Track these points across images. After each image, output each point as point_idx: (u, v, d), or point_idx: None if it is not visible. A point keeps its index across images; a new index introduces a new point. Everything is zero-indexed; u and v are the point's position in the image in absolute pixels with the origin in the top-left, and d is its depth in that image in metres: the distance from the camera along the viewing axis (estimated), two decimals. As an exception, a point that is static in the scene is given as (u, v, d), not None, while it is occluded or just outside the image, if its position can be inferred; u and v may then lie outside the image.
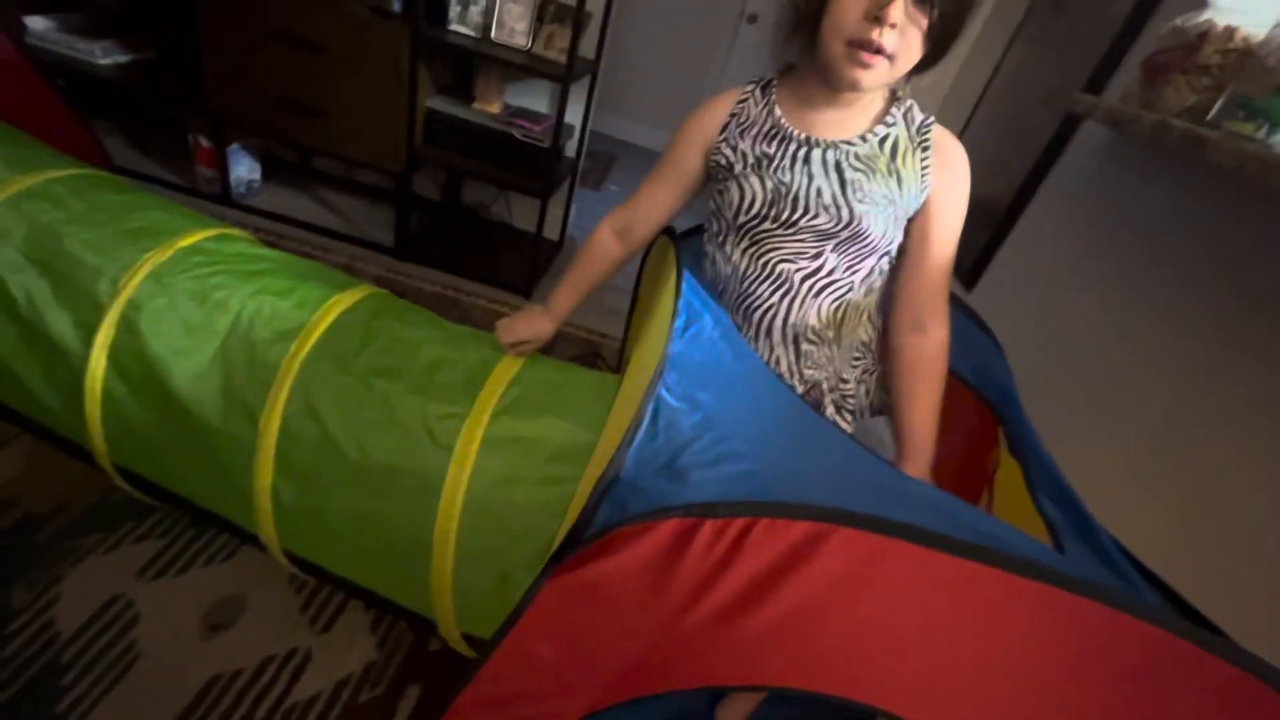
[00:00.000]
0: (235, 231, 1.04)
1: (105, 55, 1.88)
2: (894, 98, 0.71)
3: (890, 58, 0.60)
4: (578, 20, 1.64)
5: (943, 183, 0.69)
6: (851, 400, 0.79)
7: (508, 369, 0.87)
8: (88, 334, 0.84)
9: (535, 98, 2.10)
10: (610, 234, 0.84)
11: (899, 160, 0.68)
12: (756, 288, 0.73)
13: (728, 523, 0.48)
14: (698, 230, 0.87)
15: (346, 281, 0.99)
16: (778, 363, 0.76)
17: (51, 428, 0.93)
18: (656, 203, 0.79)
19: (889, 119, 0.69)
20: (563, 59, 1.73)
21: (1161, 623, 0.46)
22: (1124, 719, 0.48)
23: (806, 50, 0.65)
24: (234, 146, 1.97)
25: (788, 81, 0.72)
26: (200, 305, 0.87)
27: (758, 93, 0.72)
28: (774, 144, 0.69)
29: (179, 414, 0.84)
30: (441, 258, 2.06)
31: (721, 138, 0.72)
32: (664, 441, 0.53)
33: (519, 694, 0.59)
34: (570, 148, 2.17)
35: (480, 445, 0.78)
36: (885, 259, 0.73)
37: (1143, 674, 0.48)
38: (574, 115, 2.13)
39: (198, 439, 0.83)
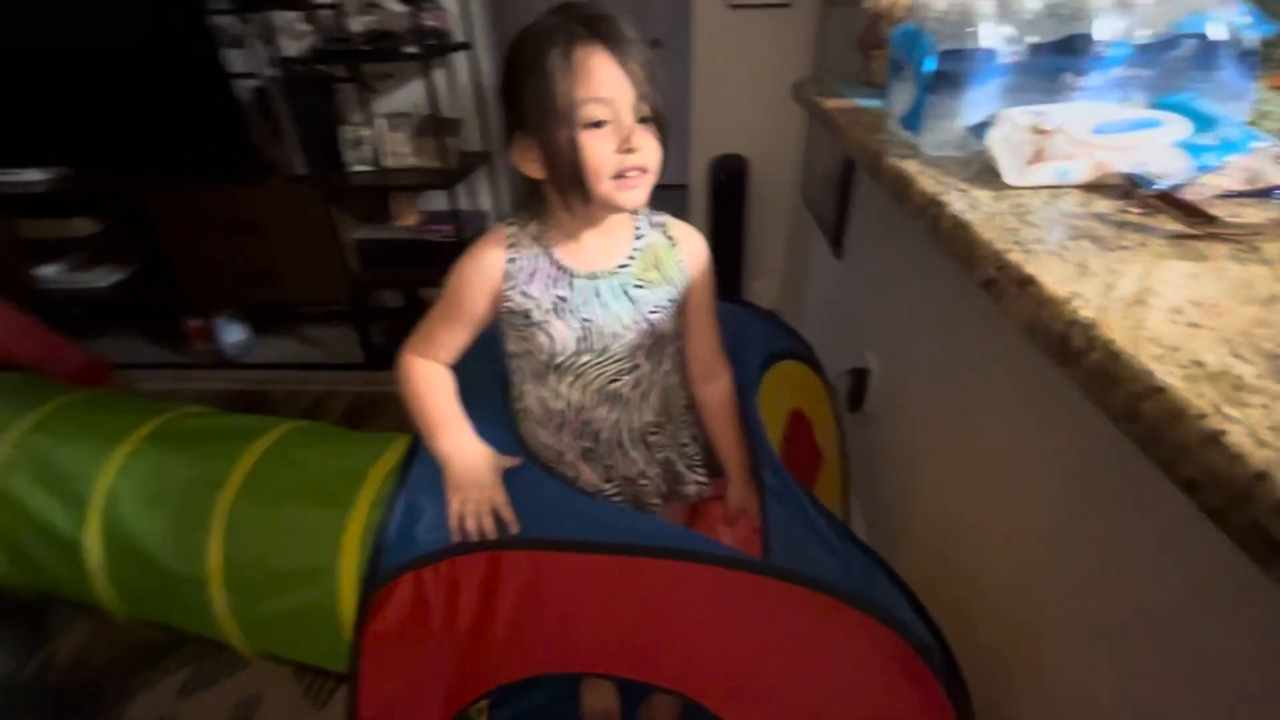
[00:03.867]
0: (189, 410, 1.31)
1: (105, 278, 2.28)
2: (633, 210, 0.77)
3: (646, 171, 0.69)
4: (437, 130, 1.89)
5: (695, 267, 0.80)
6: (697, 455, 0.92)
7: (384, 466, 1.08)
8: (82, 525, 1.12)
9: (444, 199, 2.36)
10: (437, 366, 0.82)
11: (662, 264, 0.78)
12: (595, 413, 0.81)
13: (440, 567, 0.66)
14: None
15: (263, 427, 1.23)
16: (633, 463, 0.85)
17: (86, 601, 1.20)
18: (456, 344, 0.81)
19: (639, 231, 0.78)
20: (449, 165, 2.00)
21: (785, 576, 0.61)
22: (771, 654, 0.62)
23: (573, 200, 0.70)
24: (220, 319, 2.32)
25: (550, 225, 0.76)
26: (155, 479, 1.13)
27: (525, 239, 0.76)
28: (564, 286, 0.75)
29: (158, 568, 1.09)
30: (409, 358, 2.32)
31: (509, 286, 0.75)
32: (403, 521, 0.72)
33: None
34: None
35: (364, 531, 0.99)
36: (680, 339, 0.85)
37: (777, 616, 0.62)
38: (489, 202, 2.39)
39: (173, 582, 1.08)
